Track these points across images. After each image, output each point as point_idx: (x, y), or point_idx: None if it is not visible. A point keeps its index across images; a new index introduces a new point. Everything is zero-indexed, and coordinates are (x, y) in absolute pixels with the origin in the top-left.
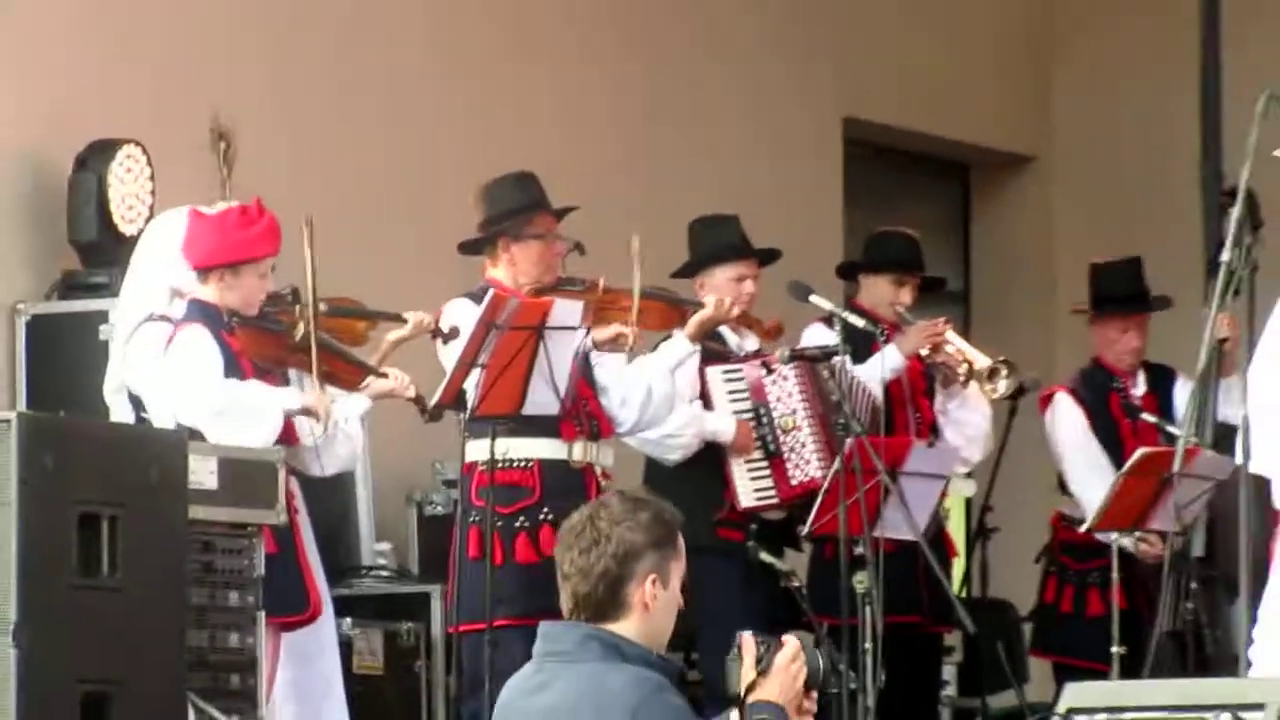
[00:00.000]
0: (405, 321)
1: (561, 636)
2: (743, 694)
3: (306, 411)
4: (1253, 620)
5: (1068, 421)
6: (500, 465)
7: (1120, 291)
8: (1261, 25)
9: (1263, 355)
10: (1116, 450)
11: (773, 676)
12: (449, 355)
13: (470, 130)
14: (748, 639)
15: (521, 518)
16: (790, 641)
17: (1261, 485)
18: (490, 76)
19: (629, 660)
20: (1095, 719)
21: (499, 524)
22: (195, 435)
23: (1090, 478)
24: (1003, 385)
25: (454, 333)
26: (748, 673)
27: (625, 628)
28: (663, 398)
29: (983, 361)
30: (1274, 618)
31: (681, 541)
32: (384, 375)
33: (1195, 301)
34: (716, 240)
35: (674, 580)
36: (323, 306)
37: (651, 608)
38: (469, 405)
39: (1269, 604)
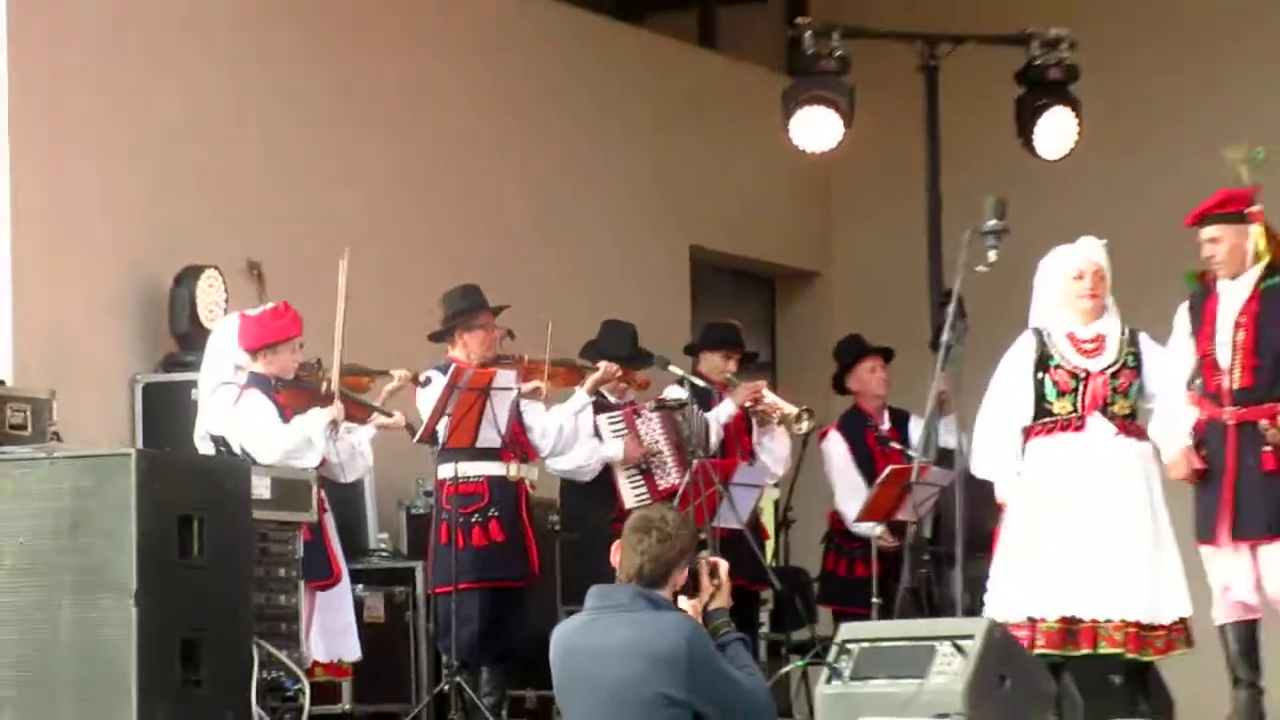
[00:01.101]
0: (393, 377)
1: (616, 594)
2: (705, 602)
3: (333, 423)
4: (966, 581)
5: (836, 451)
6: (460, 480)
7: (858, 345)
8: (972, 176)
9: (986, 404)
10: (871, 468)
11: (723, 589)
12: (424, 400)
13: (429, 251)
14: (704, 563)
15: (475, 515)
16: (722, 561)
17: (971, 485)
18: (444, 213)
19: (664, 607)
20: (861, 646)
21: (460, 520)
22: (259, 464)
23: (847, 489)
24: (804, 426)
25: (427, 381)
26: (705, 589)
27: (661, 592)
28: (570, 433)
29: (791, 410)
30: (995, 580)
31: None
32: (388, 414)
33: (925, 365)
34: (619, 339)
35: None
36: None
37: (677, 588)
38: (440, 441)
39: (994, 571)
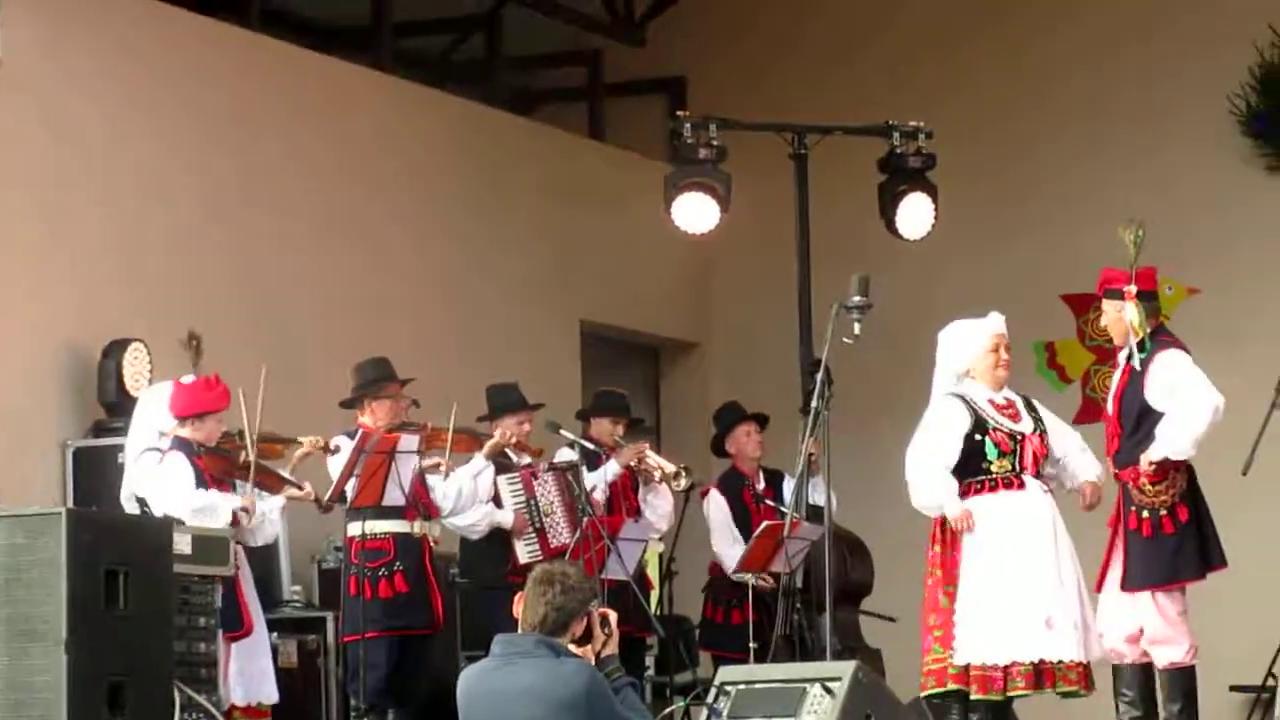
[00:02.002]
0: (303, 443)
1: (520, 642)
2: (599, 650)
3: (245, 510)
4: (834, 627)
5: (716, 507)
6: (368, 536)
7: (736, 413)
8: (839, 255)
9: (919, 452)
10: (748, 523)
11: (613, 637)
12: (335, 465)
13: (339, 325)
14: (596, 615)
15: (382, 569)
16: (612, 613)
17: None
18: (352, 291)
19: (564, 655)
20: (738, 687)
21: (368, 573)
22: (178, 521)
23: (725, 543)
24: (683, 482)
25: (336, 449)
26: (598, 636)
27: (560, 640)
28: (469, 494)
29: (671, 469)
30: (965, 629)
31: None
32: (298, 486)
33: (796, 429)
34: (505, 398)
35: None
36: (255, 436)
37: (575, 639)
38: (349, 500)
39: (961, 620)
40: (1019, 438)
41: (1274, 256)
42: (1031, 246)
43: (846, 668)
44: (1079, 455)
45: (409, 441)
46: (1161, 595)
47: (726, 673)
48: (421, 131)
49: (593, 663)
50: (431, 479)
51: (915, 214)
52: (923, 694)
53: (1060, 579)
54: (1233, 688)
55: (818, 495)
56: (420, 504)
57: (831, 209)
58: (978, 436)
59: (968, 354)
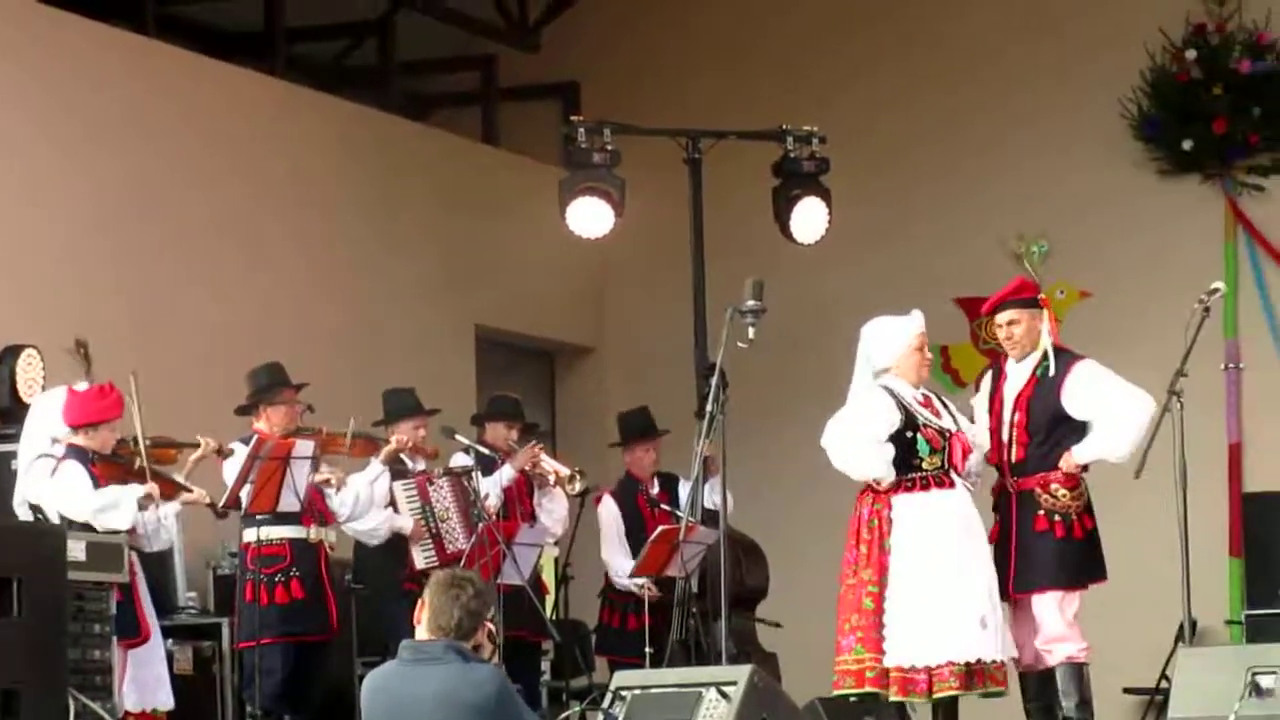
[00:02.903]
0: (199, 445)
1: (429, 648)
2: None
3: (149, 496)
4: (729, 631)
5: (608, 515)
6: (263, 542)
7: (638, 428)
8: (734, 259)
9: (848, 423)
10: (644, 528)
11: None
12: (229, 470)
13: (233, 332)
14: (489, 626)
15: (278, 575)
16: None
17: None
18: (245, 297)
19: (473, 660)
20: (634, 692)
21: (264, 579)
22: (73, 527)
23: (613, 552)
24: (578, 486)
25: (230, 452)
26: (487, 647)
27: (465, 644)
28: (365, 500)
29: (565, 472)
30: (897, 629)
31: None
32: (190, 490)
33: (692, 432)
34: (401, 403)
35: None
36: (147, 441)
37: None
38: (244, 506)
39: (892, 621)
40: (948, 434)
41: (1165, 259)
42: (924, 249)
43: (742, 672)
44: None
45: (304, 447)
46: (1066, 597)
47: (622, 677)
48: (315, 137)
49: None
50: (326, 489)
51: (809, 218)
52: (836, 692)
53: (988, 578)
54: (1126, 690)
55: (713, 499)
56: (316, 510)
57: (726, 213)
58: (909, 433)
59: (892, 351)
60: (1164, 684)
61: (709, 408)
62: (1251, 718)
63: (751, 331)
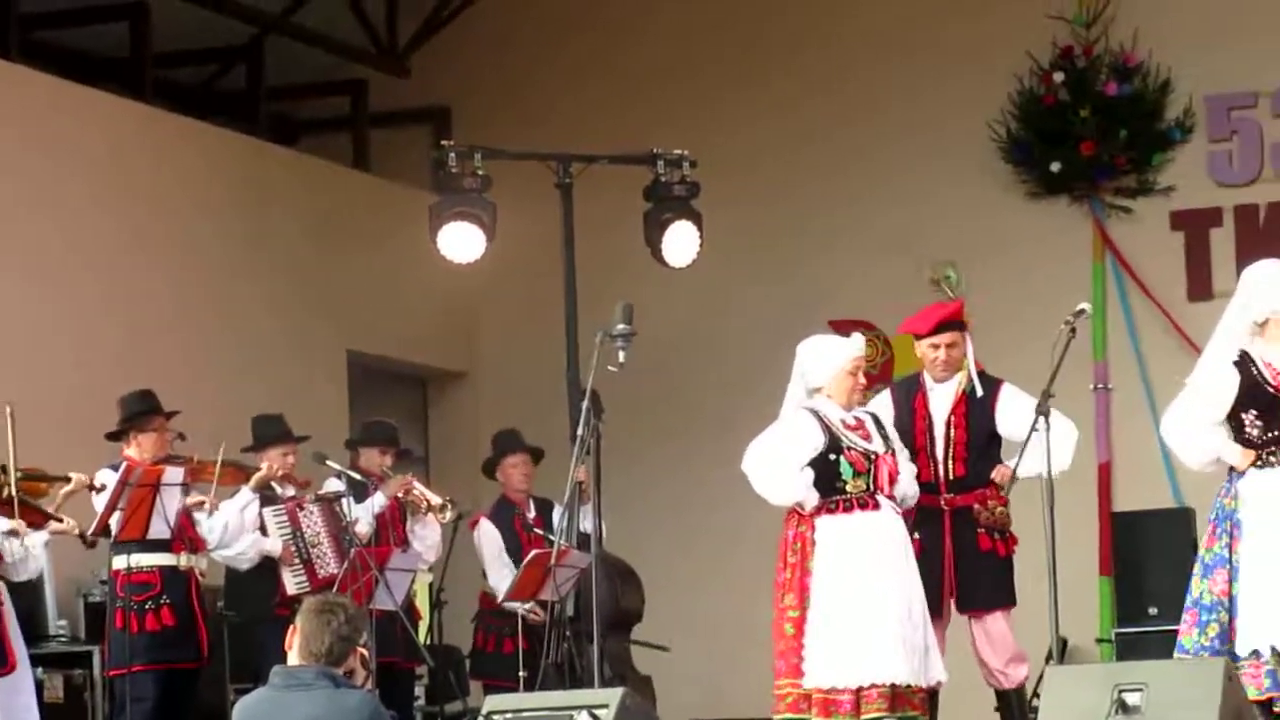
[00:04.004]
0: (70, 480)
1: (301, 674)
2: (360, 685)
3: (14, 533)
4: (604, 655)
5: (487, 536)
6: (134, 570)
7: (509, 440)
8: (606, 283)
9: (771, 447)
10: (519, 551)
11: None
12: (99, 499)
13: (102, 360)
14: (363, 653)
15: (148, 602)
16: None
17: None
18: (113, 326)
19: (345, 686)
20: (505, 716)
21: (134, 606)
22: None
23: (496, 572)
24: (449, 515)
25: (102, 488)
26: (361, 673)
27: (338, 670)
28: (235, 527)
29: (436, 501)
30: (815, 652)
31: None
32: (60, 520)
33: (567, 457)
34: (270, 430)
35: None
36: (18, 473)
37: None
38: (114, 534)
39: (811, 644)
40: (873, 457)
41: (1034, 281)
42: (798, 269)
43: (614, 695)
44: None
45: (174, 474)
46: (1008, 614)
47: (494, 701)
48: (184, 163)
49: None
50: (198, 512)
51: (681, 241)
52: (776, 718)
53: (910, 601)
54: (997, 709)
55: (587, 523)
56: (186, 537)
57: (598, 236)
58: (832, 456)
59: (825, 371)
60: (1035, 703)
61: (579, 432)
62: None
63: (622, 355)
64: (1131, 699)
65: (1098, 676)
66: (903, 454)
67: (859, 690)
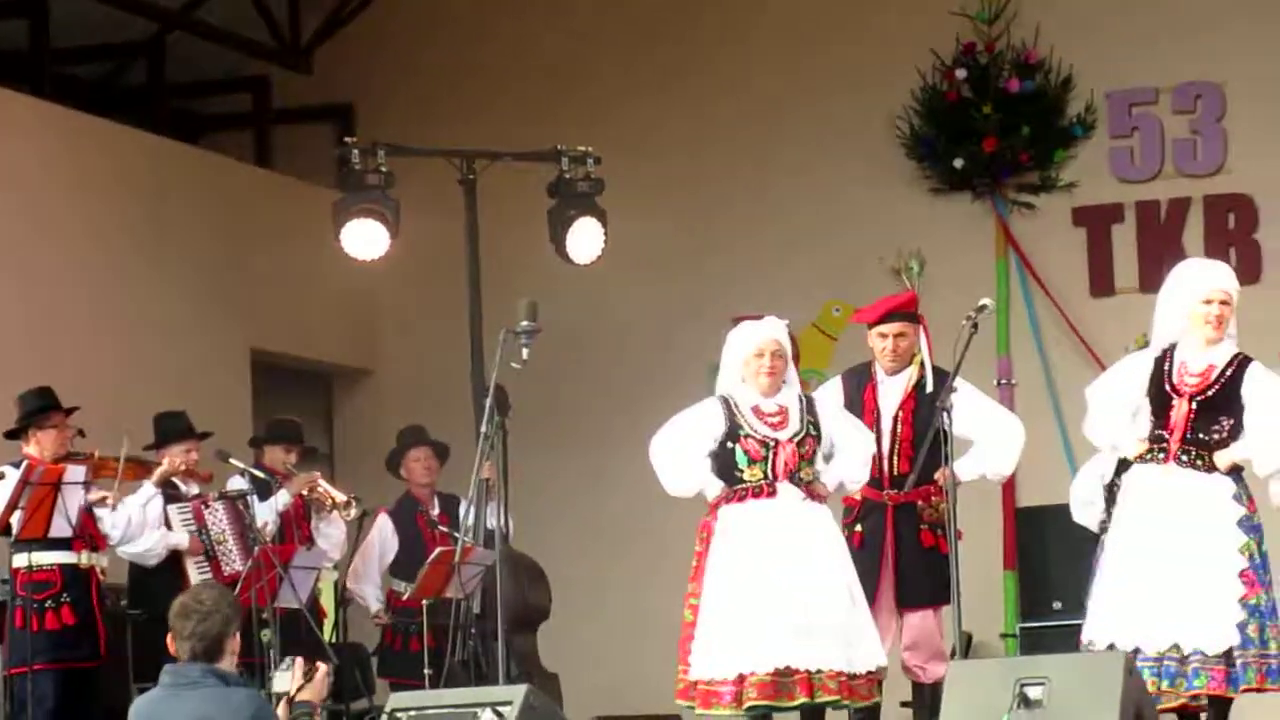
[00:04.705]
0: None
1: (188, 672)
2: (292, 694)
3: None
4: (511, 652)
5: (378, 534)
6: (34, 568)
7: (412, 434)
8: (511, 280)
9: (670, 437)
10: (423, 549)
11: (314, 684)
12: None
13: (3, 357)
14: (300, 661)
15: (49, 600)
16: (324, 667)
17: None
18: (12, 321)
19: (234, 684)
20: (410, 714)
21: (34, 605)
22: None
23: (364, 574)
24: (353, 512)
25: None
26: (296, 681)
27: (225, 665)
28: (138, 523)
29: (341, 498)
30: (703, 642)
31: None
32: None
33: (473, 454)
34: (173, 426)
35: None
36: None
37: (235, 653)
38: (14, 532)
39: (700, 634)
40: (772, 444)
41: (939, 277)
42: (702, 267)
43: (518, 692)
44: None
45: (75, 472)
46: (940, 612)
47: (398, 699)
48: (84, 159)
49: (284, 704)
50: (100, 509)
51: (585, 238)
52: (701, 712)
53: (819, 586)
54: (903, 704)
55: (493, 520)
56: (88, 535)
57: (503, 233)
58: (729, 444)
59: (735, 356)
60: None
61: (483, 429)
62: None
63: (525, 353)
64: (1033, 693)
65: (1000, 671)
66: (854, 437)
67: (744, 677)
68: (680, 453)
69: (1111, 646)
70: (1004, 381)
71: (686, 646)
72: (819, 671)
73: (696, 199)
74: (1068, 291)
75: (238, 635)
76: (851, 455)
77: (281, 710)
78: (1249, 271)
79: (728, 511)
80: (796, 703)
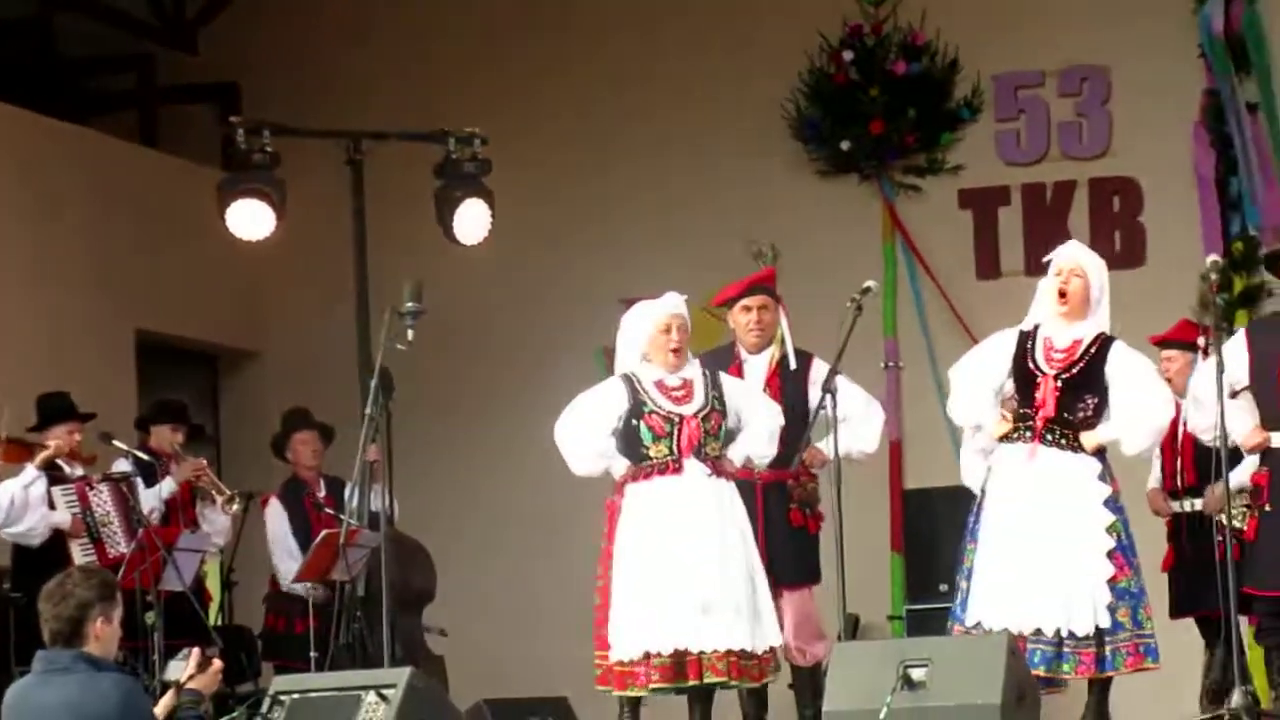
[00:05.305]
0: None
1: (59, 657)
2: (182, 681)
3: None
4: (397, 635)
5: (274, 518)
6: None
7: (296, 417)
8: (398, 261)
9: (575, 417)
10: (309, 531)
11: (206, 675)
12: None
13: None
14: (196, 651)
15: None
16: (219, 662)
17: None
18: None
19: (105, 669)
20: (293, 697)
21: None
22: None
23: (282, 553)
24: (235, 507)
25: None
26: (189, 670)
27: (93, 649)
28: (21, 504)
29: (226, 491)
30: (617, 622)
31: (119, 594)
32: None
33: (358, 436)
34: (55, 407)
35: (115, 619)
36: None
37: (101, 637)
38: None
39: (614, 614)
40: (676, 420)
41: (827, 260)
42: (590, 250)
43: (401, 674)
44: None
45: None
46: (812, 592)
47: (281, 682)
48: None
49: (172, 690)
50: None
51: (471, 219)
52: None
53: (723, 563)
54: (790, 685)
55: (378, 502)
56: None
57: (391, 215)
58: (634, 421)
59: (639, 334)
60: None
61: (368, 410)
62: (903, 710)
63: (411, 333)
64: (916, 674)
65: (884, 652)
66: (760, 412)
67: (649, 658)
68: (584, 433)
69: (978, 626)
70: (890, 364)
71: (601, 630)
72: (707, 653)
73: (584, 182)
74: (953, 274)
75: (106, 619)
76: (758, 430)
77: (169, 697)
78: (1134, 254)
79: (635, 490)
80: (689, 684)
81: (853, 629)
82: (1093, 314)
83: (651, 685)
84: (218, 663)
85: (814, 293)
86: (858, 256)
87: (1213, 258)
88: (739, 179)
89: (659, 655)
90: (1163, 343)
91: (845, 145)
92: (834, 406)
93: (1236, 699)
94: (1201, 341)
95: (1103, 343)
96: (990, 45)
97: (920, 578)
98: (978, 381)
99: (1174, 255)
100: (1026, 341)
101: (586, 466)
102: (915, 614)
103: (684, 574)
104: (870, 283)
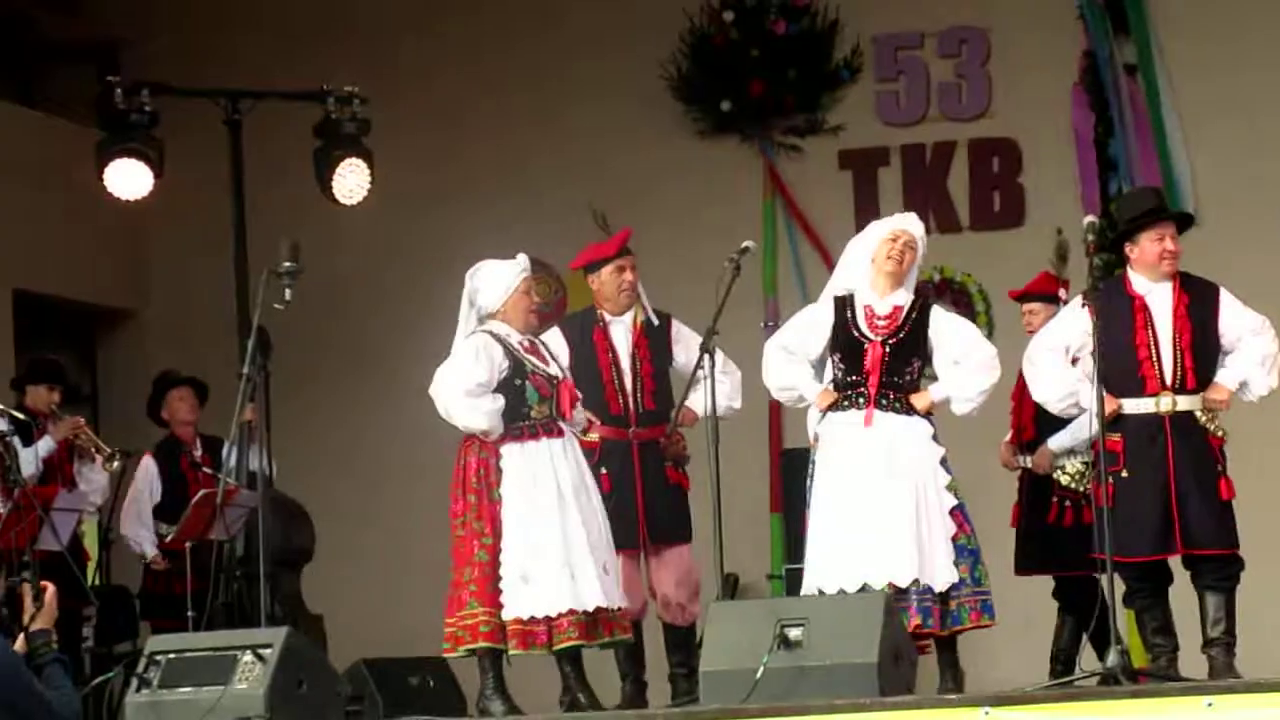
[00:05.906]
0: None
1: None
2: (27, 624)
3: None
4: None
5: (142, 475)
6: None
7: (170, 377)
8: (276, 221)
9: (453, 379)
10: (186, 490)
11: (45, 609)
12: None
13: None
14: (27, 587)
15: None
16: (50, 586)
17: (278, 506)
18: None
19: None
20: (169, 657)
21: None
22: None
23: (131, 520)
24: (115, 465)
25: None
26: (28, 611)
27: None
28: None
29: (105, 450)
30: (538, 579)
31: None
32: None
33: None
34: None
35: None
36: None
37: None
38: None
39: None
40: (556, 382)
41: (707, 220)
42: (471, 209)
43: (278, 634)
44: None
45: None
46: (689, 549)
47: (156, 642)
48: None
49: (21, 638)
50: None
51: (351, 180)
52: (447, 656)
53: (600, 525)
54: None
55: (256, 461)
56: None
57: (271, 175)
58: (517, 381)
59: (497, 294)
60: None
61: (245, 370)
62: (780, 669)
63: (288, 293)
64: (793, 633)
65: (760, 612)
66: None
67: (552, 619)
68: (471, 389)
69: (821, 592)
70: (770, 324)
71: (490, 587)
72: (618, 610)
73: (465, 141)
74: (834, 234)
75: None
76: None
77: (19, 645)
78: (1013, 214)
79: (515, 449)
80: (598, 643)
81: (732, 589)
82: (907, 282)
83: (562, 644)
84: (50, 588)
85: (692, 252)
86: (737, 216)
87: (1090, 218)
88: (620, 140)
89: (574, 613)
90: (1023, 296)
91: (726, 106)
92: (711, 366)
93: (1112, 659)
94: (1063, 294)
95: (922, 308)
96: (870, 6)
97: (799, 537)
98: (794, 356)
99: (1052, 215)
100: (845, 310)
101: (477, 422)
102: (795, 573)
103: (579, 535)
104: (749, 243)
